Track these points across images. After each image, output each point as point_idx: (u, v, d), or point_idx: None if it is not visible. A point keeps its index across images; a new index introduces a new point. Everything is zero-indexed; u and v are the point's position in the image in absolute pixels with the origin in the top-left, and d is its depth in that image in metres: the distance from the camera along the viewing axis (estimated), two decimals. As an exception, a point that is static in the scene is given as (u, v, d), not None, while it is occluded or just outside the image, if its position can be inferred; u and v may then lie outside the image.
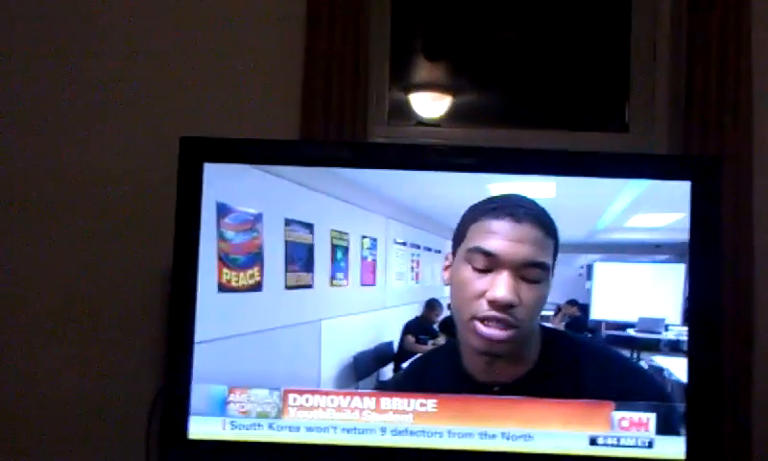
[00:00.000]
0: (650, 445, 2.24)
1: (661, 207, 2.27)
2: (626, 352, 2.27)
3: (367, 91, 2.72)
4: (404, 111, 3.04)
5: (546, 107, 3.03)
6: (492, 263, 2.09)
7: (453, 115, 3.06)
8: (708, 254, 2.25)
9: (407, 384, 2.27)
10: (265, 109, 2.74)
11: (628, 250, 2.30)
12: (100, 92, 2.76)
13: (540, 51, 3.07)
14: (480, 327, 2.10)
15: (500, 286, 2.07)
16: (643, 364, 2.28)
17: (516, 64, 3.07)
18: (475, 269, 2.10)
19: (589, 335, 2.28)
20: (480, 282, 2.10)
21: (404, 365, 2.30)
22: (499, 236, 2.09)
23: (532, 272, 2.09)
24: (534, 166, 2.26)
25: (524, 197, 2.17)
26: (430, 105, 3.09)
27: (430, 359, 2.28)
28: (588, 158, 2.34)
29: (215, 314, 2.25)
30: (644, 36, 2.90)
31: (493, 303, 2.08)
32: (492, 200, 2.16)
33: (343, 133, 2.64)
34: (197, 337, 2.25)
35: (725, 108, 2.65)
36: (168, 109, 2.74)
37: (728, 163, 2.56)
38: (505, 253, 2.08)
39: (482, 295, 2.10)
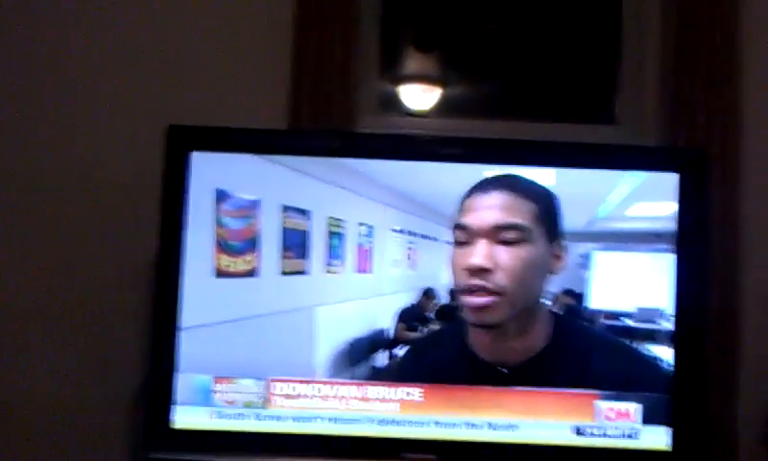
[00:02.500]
0: (635, 435, 2.13)
1: (662, 197, 2.17)
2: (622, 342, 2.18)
3: (356, 82, 2.62)
4: (394, 103, 2.93)
5: (536, 98, 2.94)
6: (467, 236, 2.04)
7: (443, 107, 2.95)
8: (695, 246, 2.16)
9: (411, 364, 2.19)
10: (253, 98, 2.63)
11: (627, 239, 2.20)
12: (84, 85, 2.65)
13: (530, 43, 2.98)
14: (465, 298, 2.04)
15: (473, 254, 2.02)
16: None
17: (505, 56, 2.97)
18: (458, 244, 2.06)
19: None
20: (461, 256, 2.05)
21: (397, 351, 2.20)
22: (471, 209, 2.05)
23: (507, 234, 2.01)
24: (519, 156, 2.17)
25: (511, 175, 2.12)
26: (420, 96, 2.98)
27: (437, 338, 2.20)
28: (575, 149, 2.25)
29: (211, 299, 2.15)
30: (634, 28, 2.80)
31: (469, 271, 2.02)
32: (479, 180, 2.11)
33: (331, 123, 2.54)
34: (192, 322, 2.14)
35: (713, 100, 2.56)
36: (156, 100, 2.62)
37: (715, 155, 2.50)
38: (474, 221, 2.04)
39: (462, 267, 2.04)
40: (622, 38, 2.82)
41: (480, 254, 2.01)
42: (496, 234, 2.01)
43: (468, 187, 2.08)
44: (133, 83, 2.64)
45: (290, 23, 2.60)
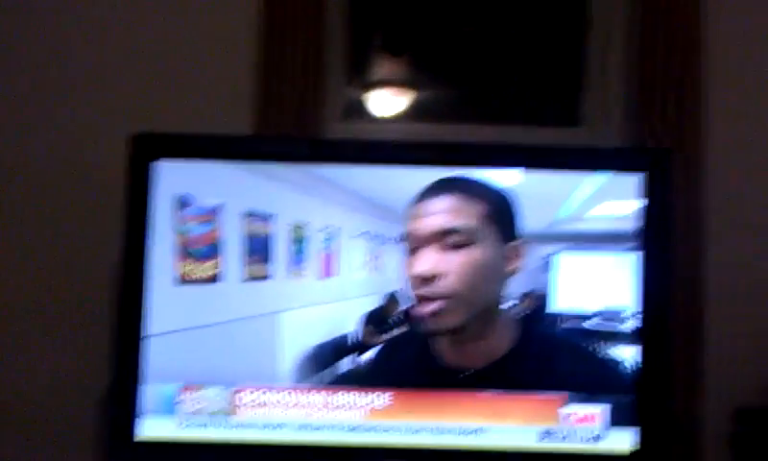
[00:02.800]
0: (600, 437, 2.10)
1: (623, 197, 2.15)
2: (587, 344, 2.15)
3: (323, 87, 2.61)
4: (364, 108, 2.93)
5: (503, 101, 2.93)
6: (413, 243, 2.00)
7: (412, 111, 2.95)
8: (660, 245, 2.14)
9: (378, 368, 2.14)
10: (219, 105, 2.62)
11: (589, 240, 2.18)
12: (49, 90, 2.64)
13: (497, 46, 2.97)
14: (417, 307, 2.01)
15: (419, 262, 1.98)
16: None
17: (472, 60, 2.96)
18: (408, 252, 2.02)
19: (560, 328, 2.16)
20: (409, 264, 2.01)
21: (363, 356, 2.16)
22: (417, 215, 2.01)
23: (451, 239, 1.97)
24: (484, 159, 2.13)
25: (460, 176, 2.08)
26: (390, 101, 2.97)
27: (400, 343, 2.15)
28: (540, 152, 2.22)
29: (173, 307, 2.10)
30: (597, 29, 2.81)
31: (415, 281, 1.99)
32: (427, 185, 2.06)
33: (298, 129, 2.54)
34: (154, 330, 2.10)
35: (677, 100, 2.58)
36: (121, 106, 2.61)
37: (679, 155, 2.52)
38: (415, 229, 2.00)
39: (411, 276, 2.01)
40: (586, 41, 2.82)
41: (426, 261, 1.97)
42: (441, 240, 1.97)
43: (418, 192, 2.05)
44: (100, 89, 2.62)
45: (256, 29, 2.59)
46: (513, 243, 2.01)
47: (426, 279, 1.97)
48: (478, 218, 1.99)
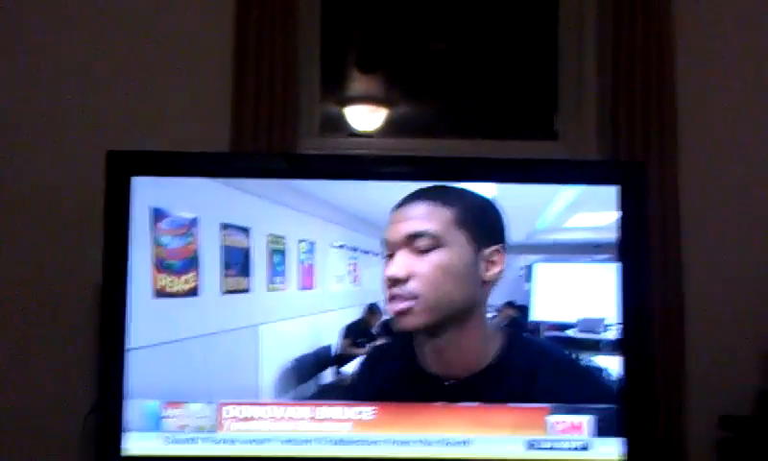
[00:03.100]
0: (585, 447, 2.11)
1: (600, 207, 2.16)
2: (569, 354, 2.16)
3: (297, 104, 2.60)
4: (340, 124, 2.91)
5: (479, 116, 2.92)
6: (388, 249, 2.05)
7: (388, 127, 2.93)
8: (636, 257, 2.16)
9: (364, 378, 2.15)
10: (195, 121, 2.60)
11: (567, 250, 2.19)
12: (27, 106, 2.60)
13: (472, 62, 2.96)
14: (387, 306, 2.07)
15: (389, 266, 2.04)
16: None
17: (448, 75, 2.95)
18: (385, 258, 2.06)
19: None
20: (384, 270, 2.06)
21: (345, 368, 2.16)
22: (392, 222, 2.06)
23: (420, 242, 2.02)
24: (462, 173, 2.16)
25: (438, 185, 2.12)
26: (365, 117, 2.95)
27: (384, 352, 2.17)
28: (517, 165, 2.25)
29: (151, 320, 2.09)
30: (571, 46, 2.81)
31: (387, 282, 2.04)
32: (406, 195, 2.11)
33: (273, 145, 2.52)
34: (132, 344, 2.09)
35: (650, 114, 2.58)
36: (98, 121, 2.58)
37: (653, 167, 2.53)
38: (390, 235, 2.05)
39: (384, 278, 2.06)
40: (561, 57, 2.82)
41: (395, 264, 2.02)
42: (410, 244, 2.02)
43: (398, 201, 2.08)
44: (77, 104, 2.59)
45: (230, 46, 2.57)
46: (489, 249, 2.01)
47: (397, 281, 2.02)
48: (445, 223, 2.02)
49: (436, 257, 2.01)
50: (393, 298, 2.03)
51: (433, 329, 2.03)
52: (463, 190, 2.10)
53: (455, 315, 2.03)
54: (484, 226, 2.04)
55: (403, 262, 2.02)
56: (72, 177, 2.54)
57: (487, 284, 2.03)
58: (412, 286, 2.01)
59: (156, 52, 2.62)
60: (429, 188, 2.09)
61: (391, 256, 2.04)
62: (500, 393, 2.09)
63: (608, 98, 2.63)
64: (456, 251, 2.01)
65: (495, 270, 2.02)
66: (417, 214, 2.04)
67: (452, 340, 2.03)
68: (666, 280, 2.52)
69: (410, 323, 2.03)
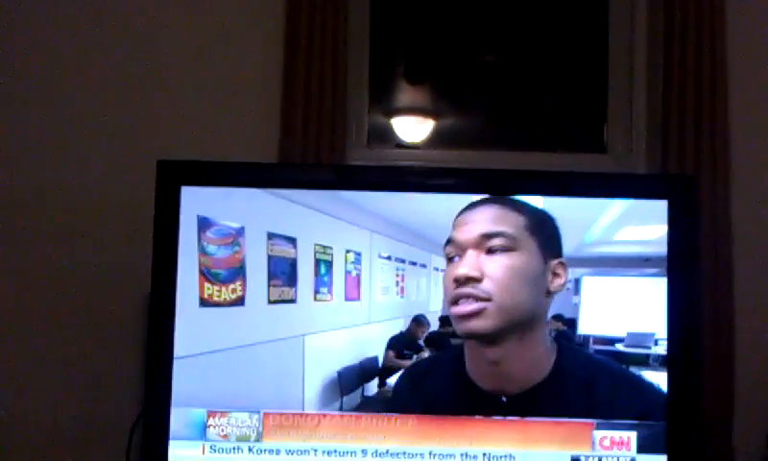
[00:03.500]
0: (634, 462, 2.07)
1: (650, 220, 2.12)
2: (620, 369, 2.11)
3: (345, 114, 2.60)
4: (387, 135, 2.90)
5: (527, 128, 2.90)
6: (456, 250, 2.01)
7: (435, 139, 2.91)
8: (686, 272, 2.11)
9: (407, 391, 2.12)
10: (244, 132, 2.61)
11: (616, 264, 2.15)
12: (79, 113, 2.62)
13: (521, 73, 2.94)
14: (453, 308, 2.01)
15: (461, 265, 1.99)
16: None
17: (496, 87, 2.94)
18: (448, 260, 2.03)
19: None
20: (450, 270, 2.02)
21: (388, 380, 2.13)
22: (459, 224, 2.03)
23: (493, 242, 1.98)
24: (509, 186, 2.13)
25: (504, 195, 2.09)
26: (413, 128, 2.94)
27: (434, 365, 2.14)
28: (566, 178, 2.20)
29: (197, 329, 2.09)
30: (622, 57, 2.78)
31: (457, 282, 1.99)
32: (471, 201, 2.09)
33: (321, 156, 2.52)
34: (178, 352, 2.09)
35: (701, 127, 2.53)
36: (149, 129, 2.60)
37: (705, 181, 2.49)
38: (461, 235, 2.01)
39: (451, 279, 2.01)
40: (610, 68, 2.79)
41: (466, 264, 1.98)
42: (483, 244, 1.99)
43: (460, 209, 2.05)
44: (128, 115, 2.61)
45: (280, 57, 2.58)
46: (555, 261, 2.01)
47: (468, 280, 1.98)
48: (517, 226, 2.00)
49: (509, 260, 1.98)
50: (462, 298, 1.99)
51: (497, 337, 1.99)
52: (526, 202, 2.07)
53: (521, 323, 2.00)
54: (550, 236, 2.03)
55: (475, 262, 1.98)
56: (121, 186, 2.55)
57: (549, 296, 2.01)
58: (486, 286, 1.98)
59: (207, 62, 2.63)
60: (494, 197, 2.07)
61: (455, 259, 2.01)
62: (550, 408, 2.05)
63: (658, 111, 2.59)
64: (528, 257, 1.99)
65: (560, 282, 2.00)
66: (490, 216, 2.02)
67: (513, 351, 2.00)
68: (717, 295, 2.47)
69: (479, 326, 1.99)
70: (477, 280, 1.97)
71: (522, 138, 2.88)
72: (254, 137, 2.58)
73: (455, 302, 2.00)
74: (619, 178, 2.41)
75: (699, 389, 2.33)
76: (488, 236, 1.99)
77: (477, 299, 1.97)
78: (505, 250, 1.98)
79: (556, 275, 2.00)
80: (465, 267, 1.98)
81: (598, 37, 2.82)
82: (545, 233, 2.02)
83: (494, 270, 1.98)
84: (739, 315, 2.51)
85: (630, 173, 2.64)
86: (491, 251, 1.98)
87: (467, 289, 1.98)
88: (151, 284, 2.11)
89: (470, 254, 1.98)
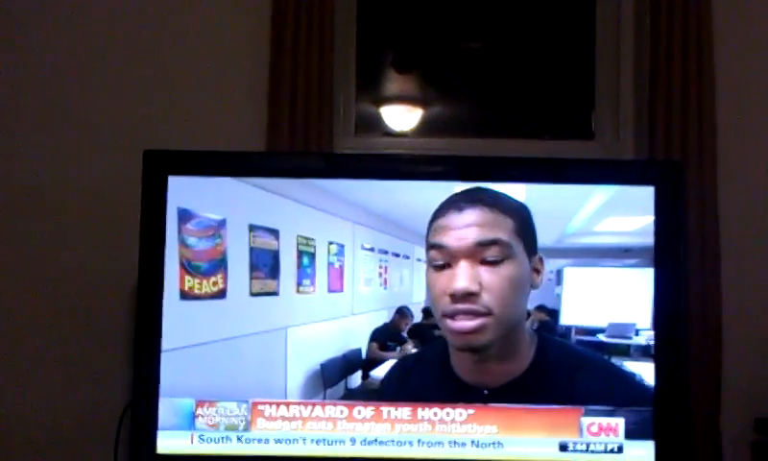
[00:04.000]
0: (619, 450, 2.06)
1: (631, 211, 2.11)
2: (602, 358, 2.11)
3: (332, 103, 2.58)
4: (375, 124, 2.88)
5: (515, 116, 2.89)
6: (447, 257, 1.94)
7: (423, 127, 2.89)
8: (672, 259, 2.10)
9: (392, 385, 2.10)
10: (231, 121, 2.60)
11: (598, 254, 2.14)
12: (63, 103, 2.60)
13: (508, 61, 2.92)
14: (450, 323, 1.94)
15: (457, 278, 1.92)
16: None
17: (484, 75, 2.92)
18: (436, 267, 1.95)
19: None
20: (441, 279, 1.95)
21: (374, 371, 2.12)
22: (447, 228, 1.95)
23: (489, 252, 1.92)
24: (496, 173, 2.10)
25: (481, 189, 2.03)
26: (401, 117, 2.92)
27: (419, 359, 2.12)
28: (552, 165, 2.18)
29: (178, 322, 2.07)
30: (609, 44, 2.76)
31: (454, 297, 1.92)
32: (448, 197, 2.02)
33: (309, 145, 2.50)
34: (164, 345, 2.08)
35: (688, 114, 2.52)
36: (135, 120, 2.58)
37: (692, 167, 2.48)
38: (452, 242, 1.94)
39: (445, 291, 1.94)
40: (597, 55, 2.77)
41: (464, 277, 1.91)
42: (478, 254, 1.92)
43: (438, 205, 2.00)
44: (115, 110, 2.59)
45: (266, 46, 2.55)
46: (535, 257, 1.98)
47: (468, 295, 1.91)
48: (509, 232, 1.94)
49: (506, 271, 1.93)
50: (460, 314, 1.93)
51: (491, 346, 1.96)
52: (507, 196, 2.02)
53: (512, 328, 1.97)
54: (531, 233, 1.98)
55: (472, 274, 1.92)
56: (107, 177, 2.54)
57: (529, 292, 1.98)
58: (486, 300, 1.92)
59: (193, 51, 2.62)
60: (474, 192, 2.01)
61: (447, 266, 1.94)
62: (536, 397, 2.04)
63: (645, 98, 2.58)
64: (520, 262, 1.94)
65: (541, 277, 1.97)
66: (480, 221, 1.94)
67: (497, 349, 1.97)
68: (704, 283, 2.47)
69: (479, 340, 1.95)
70: (476, 294, 1.92)
71: (510, 126, 2.86)
72: (241, 127, 2.56)
73: (452, 316, 1.94)
74: (606, 164, 2.40)
75: (686, 374, 2.32)
76: (483, 245, 1.92)
77: (477, 314, 1.92)
78: (502, 259, 1.92)
79: (537, 271, 1.97)
80: (463, 280, 1.92)
81: (585, 24, 2.80)
82: (528, 232, 1.98)
83: (493, 282, 1.92)
84: (726, 300, 2.50)
85: (617, 159, 2.62)
86: (485, 261, 1.92)
87: (466, 305, 1.92)
88: (138, 276, 2.09)
89: (465, 265, 1.92)
